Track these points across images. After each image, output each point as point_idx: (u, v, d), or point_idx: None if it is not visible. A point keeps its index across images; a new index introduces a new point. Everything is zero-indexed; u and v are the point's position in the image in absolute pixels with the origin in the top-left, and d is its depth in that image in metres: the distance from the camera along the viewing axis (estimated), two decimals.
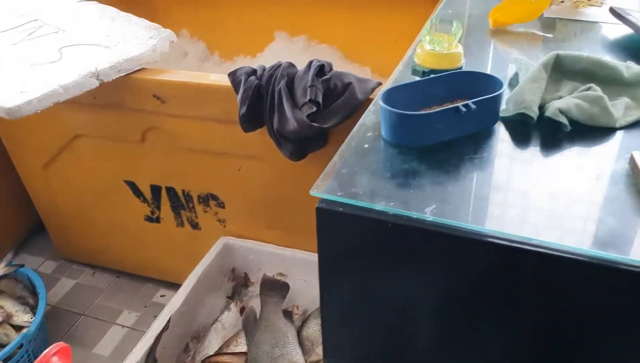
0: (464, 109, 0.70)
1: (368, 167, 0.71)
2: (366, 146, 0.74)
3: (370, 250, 0.67)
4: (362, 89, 1.13)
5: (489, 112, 0.75)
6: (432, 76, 0.79)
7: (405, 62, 0.93)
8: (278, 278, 1.38)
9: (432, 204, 0.63)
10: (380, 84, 1.12)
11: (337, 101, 1.13)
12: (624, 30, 1.03)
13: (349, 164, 0.71)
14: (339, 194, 0.66)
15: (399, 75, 0.90)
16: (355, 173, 0.69)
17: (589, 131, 0.75)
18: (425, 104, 0.79)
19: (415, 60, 0.86)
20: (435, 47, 0.81)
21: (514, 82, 0.85)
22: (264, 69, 1.17)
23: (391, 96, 0.76)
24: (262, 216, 1.39)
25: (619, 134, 0.75)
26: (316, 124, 1.10)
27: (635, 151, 0.68)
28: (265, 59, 1.83)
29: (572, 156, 0.72)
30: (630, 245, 0.57)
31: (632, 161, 0.67)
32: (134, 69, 1.24)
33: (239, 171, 1.32)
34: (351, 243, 0.68)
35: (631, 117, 0.76)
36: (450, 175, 0.68)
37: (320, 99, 1.10)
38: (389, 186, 0.67)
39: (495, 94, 0.72)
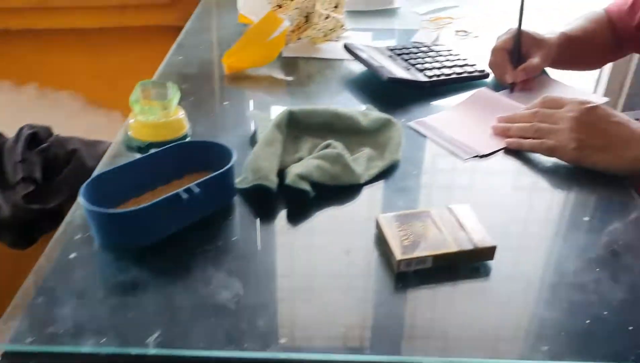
0: (185, 194, 0.58)
1: (75, 287, 0.54)
2: (73, 255, 0.58)
3: None
4: (92, 153, 0.96)
5: (221, 190, 0.63)
6: (151, 151, 0.65)
7: (122, 133, 0.77)
8: None
9: (156, 331, 0.50)
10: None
11: (62, 173, 0.94)
12: (362, 67, 1.00)
13: (47, 288, 0.54)
14: (29, 340, 0.49)
15: (117, 149, 0.74)
16: (57, 301, 0.53)
17: (336, 192, 0.68)
18: (150, 186, 0.65)
19: (129, 133, 0.71)
20: (149, 116, 0.68)
21: (254, 141, 0.76)
22: None
23: (101, 184, 0.61)
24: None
25: (365, 191, 0.69)
26: (36, 206, 0.90)
27: (381, 214, 0.62)
28: None
29: (321, 226, 0.64)
30: (382, 341, 0.50)
31: (378, 226, 0.61)
32: None
33: None
34: None
35: (374, 170, 0.71)
36: (178, 282, 0.55)
37: (37, 175, 0.90)
38: (101, 313, 0.52)
39: (221, 170, 0.61)
